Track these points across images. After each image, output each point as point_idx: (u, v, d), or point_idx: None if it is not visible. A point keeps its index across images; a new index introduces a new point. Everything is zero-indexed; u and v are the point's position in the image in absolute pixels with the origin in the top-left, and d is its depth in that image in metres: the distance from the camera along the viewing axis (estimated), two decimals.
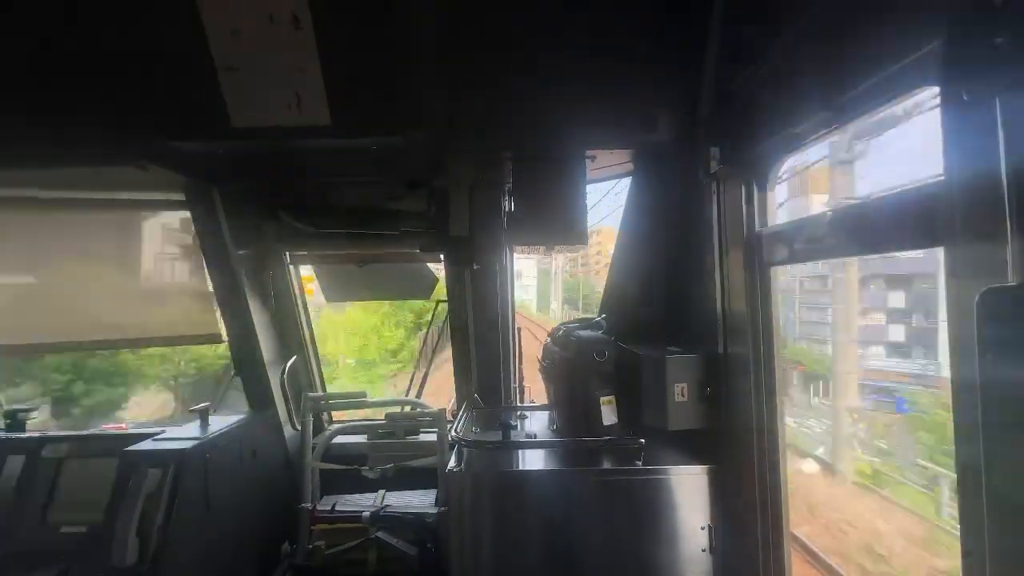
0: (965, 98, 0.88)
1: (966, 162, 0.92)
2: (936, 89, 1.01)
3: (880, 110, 1.21)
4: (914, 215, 1.12)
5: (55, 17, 1.91)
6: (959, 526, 0.90)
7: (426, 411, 3.17)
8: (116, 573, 2.02)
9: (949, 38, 0.92)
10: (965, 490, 0.89)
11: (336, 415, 3.75)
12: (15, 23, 1.92)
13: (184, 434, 2.44)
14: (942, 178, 0.99)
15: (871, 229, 1.27)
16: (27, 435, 2.76)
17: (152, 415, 9.09)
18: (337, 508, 2.86)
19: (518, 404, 3.11)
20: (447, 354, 3.42)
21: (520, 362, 3.25)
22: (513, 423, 2.50)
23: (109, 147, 2.06)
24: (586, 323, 2.56)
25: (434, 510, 2.79)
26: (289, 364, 3.16)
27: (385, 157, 2.40)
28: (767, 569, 1.76)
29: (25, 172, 2.35)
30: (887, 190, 1.24)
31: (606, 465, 2.08)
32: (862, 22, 1.20)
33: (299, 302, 3.41)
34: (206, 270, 2.89)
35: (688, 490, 1.98)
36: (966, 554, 0.89)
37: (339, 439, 3.24)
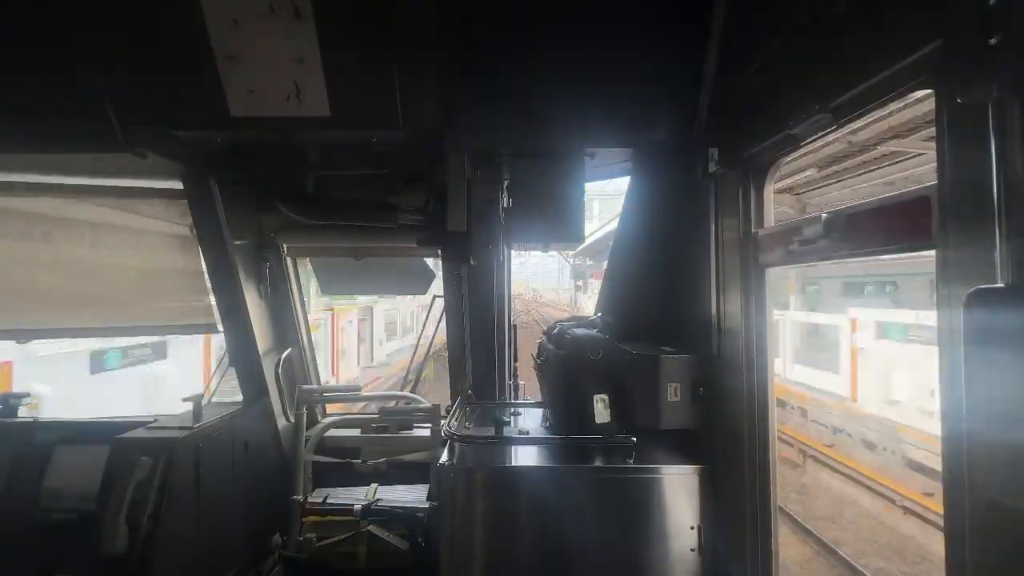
0: (959, 101, 0.89)
1: (959, 165, 0.93)
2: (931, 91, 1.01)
3: (876, 112, 1.21)
4: (908, 217, 1.12)
5: (55, 4, 1.91)
6: (943, 519, 0.91)
7: (420, 406, 3.18)
8: (106, 560, 2.02)
9: (945, 41, 0.93)
10: (950, 486, 0.89)
11: (330, 408, 3.75)
12: (15, 9, 1.91)
13: (177, 423, 2.44)
14: (935, 182, 1.00)
15: (865, 231, 1.28)
16: (19, 420, 2.75)
17: None
18: (329, 501, 2.86)
19: (512, 401, 3.12)
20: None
21: (515, 359, 3.26)
22: (506, 419, 2.51)
23: (108, 133, 2.06)
24: (582, 321, 2.57)
25: (426, 505, 2.79)
26: (284, 355, 3.17)
27: (384, 150, 2.40)
28: (755, 570, 1.77)
29: (24, 158, 2.34)
30: (882, 193, 1.24)
31: (597, 463, 2.08)
32: (860, 24, 1.20)
33: (296, 294, 3.41)
34: (202, 259, 2.89)
35: (678, 489, 1.98)
36: (950, 548, 0.90)
37: (332, 432, 3.24)
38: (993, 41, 0.80)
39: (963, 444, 0.83)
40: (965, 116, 0.89)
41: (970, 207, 0.90)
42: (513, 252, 3.49)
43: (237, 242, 2.80)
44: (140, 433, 2.33)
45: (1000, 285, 0.80)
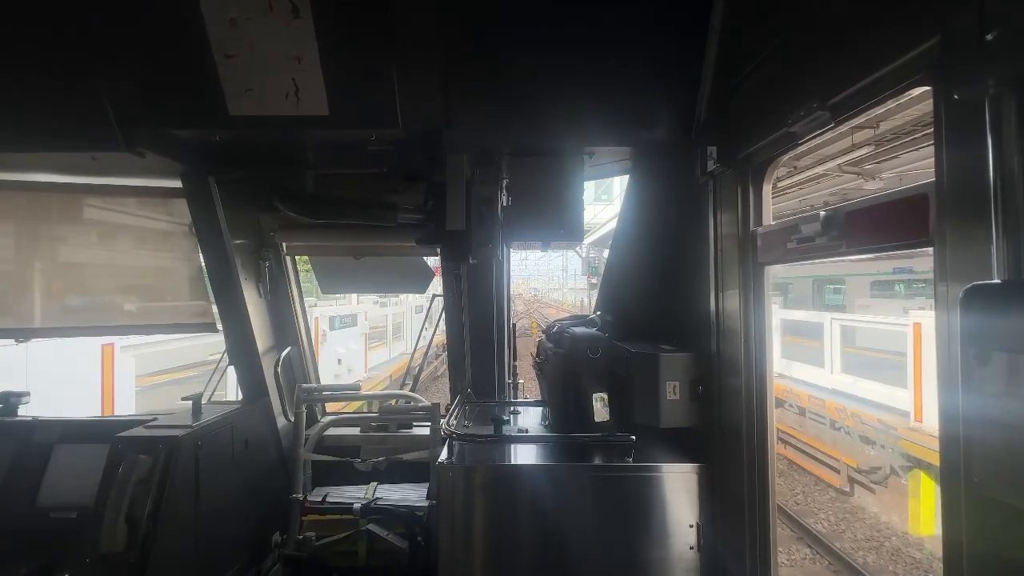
0: (956, 97, 0.89)
1: (956, 162, 0.93)
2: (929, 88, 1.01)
3: (874, 108, 1.21)
4: (906, 215, 1.12)
5: (53, 3, 1.91)
6: (941, 516, 0.91)
7: (419, 405, 3.18)
8: (105, 559, 2.02)
9: (942, 38, 0.93)
10: (947, 482, 0.89)
11: (329, 407, 3.76)
12: (15, 9, 1.91)
13: (176, 422, 2.44)
14: (933, 179, 1.00)
15: (864, 229, 1.28)
16: (18, 419, 2.75)
17: None
18: (328, 499, 2.87)
19: (512, 400, 3.12)
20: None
21: (515, 358, 3.26)
22: (506, 418, 2.51)
23: (107, 132, 2.06)
24: (581, 320, 2.57)
25: (425, 503, 2.80)
26: (283, 354, 3.17)
27: (383, 149, 2.40)
28: (753, 568, 1.77)
29: (22, 157, 2.34)
30: (880, 190, 1.24)
31: (597, 461, 2.08)
32: (858, 22, 1.20)
33: (295, 292, 3.42)
34: (202, 258, 2.89)
35: (678, 487, 1.99)
36: (947, 545, 0.90)
37: (332, 431, 3.25)
38: (990, 37, 0.80)
39: (960, 440, 0.83)
40: (962, 113, 0.89)
41: (967, 204, 0.90)
42: (513, 250, 3.49)
43: (236, 241, 2.80)
44: (139, 432, 2.33)
45: (996, 281, 0.80)
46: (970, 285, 0.77)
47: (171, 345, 8.07)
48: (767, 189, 1.78)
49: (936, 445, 0.94)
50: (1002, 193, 0.81)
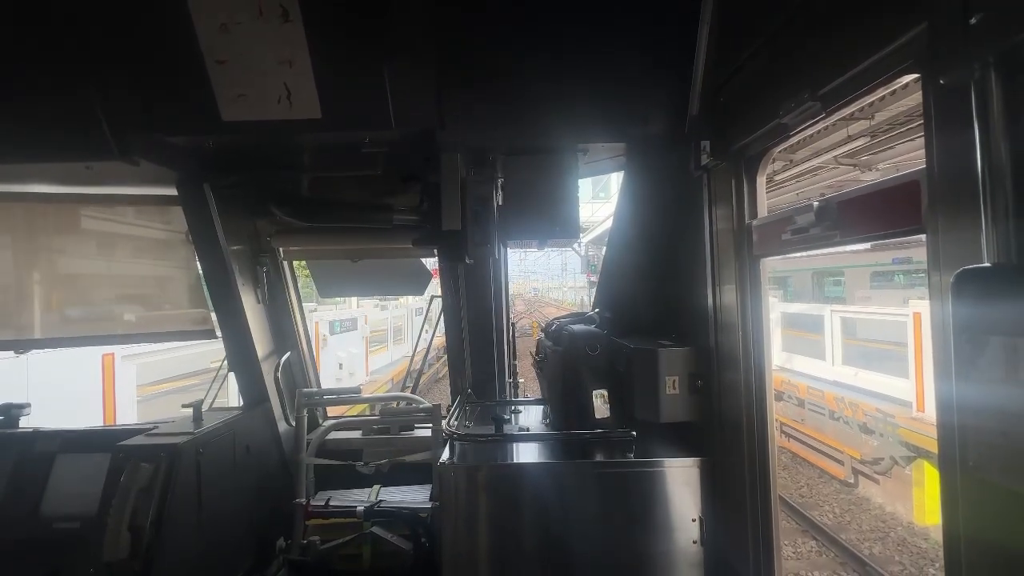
0: (943, 83, 0.89)
1: (946, 148, 0.93)
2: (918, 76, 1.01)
3: (865, 97, 1.21)
4: (899, 202, 1.13)
5: (46, 11, 1.91)
6: (940, 501, 0.91)
7: (420, 406, 3.19)
8: (108, 568, 2.02)
9: (929, 24, 0.93)
10: (944, 466, 0.89)
11: (331, 411, 3.76)
12: (5, 19, 1.91)
13: (177, 429, 2.44)
14: (924, 167, 1.00)
15: (857, 218, 1.28)
16: (20, 430, 2.75)
17: None
18: (331, 503, 2.86)
19: (512, 399, 3.12)
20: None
21: (514, 356, 3.26)
22: (506, 417, 2.51)
23: (101, 142, 2.06)
24: (579, 317, 2.57)
25: (429, 505, 2.80)
26: (283, 359, 3.17)
27: (377, 151, 2.40)
28: (757, 561, 1.77)
29: (17, 167, 2.34)
30: (874, 180, 1.24)
31: (598, 458, 2.08)
32: (848, 11, 1.20)
33: (293, 297, 3.41)
34: (199, 265, 2.89)
35: (679, 482, 1.99)
36: (946, 529, 0.90)
37: (333, 435, 3.25)
38: (973, 21, 0.80)
39: (955, 423, 0.83)
40: (950, 98, 0.89)
41: (958, 190, 0.90)
42: (513, 250, 3.49)
43: (233, 247, 2.79)
44: (140, 440, 2.33)
45: (986, 265, 0.80)
46: (961, 269, 0.77)
47: (173, 353, 8.06)
48: (761, 182, 1.77)
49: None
50: (991, 177, 0.81)
